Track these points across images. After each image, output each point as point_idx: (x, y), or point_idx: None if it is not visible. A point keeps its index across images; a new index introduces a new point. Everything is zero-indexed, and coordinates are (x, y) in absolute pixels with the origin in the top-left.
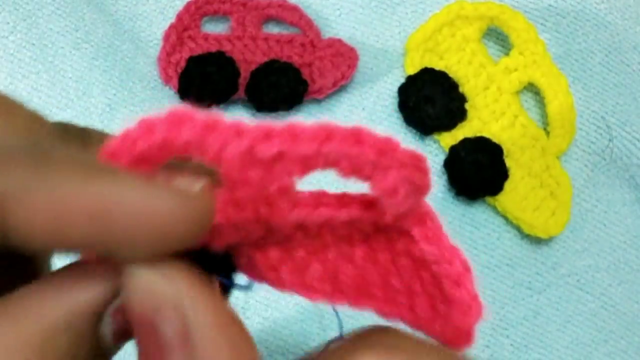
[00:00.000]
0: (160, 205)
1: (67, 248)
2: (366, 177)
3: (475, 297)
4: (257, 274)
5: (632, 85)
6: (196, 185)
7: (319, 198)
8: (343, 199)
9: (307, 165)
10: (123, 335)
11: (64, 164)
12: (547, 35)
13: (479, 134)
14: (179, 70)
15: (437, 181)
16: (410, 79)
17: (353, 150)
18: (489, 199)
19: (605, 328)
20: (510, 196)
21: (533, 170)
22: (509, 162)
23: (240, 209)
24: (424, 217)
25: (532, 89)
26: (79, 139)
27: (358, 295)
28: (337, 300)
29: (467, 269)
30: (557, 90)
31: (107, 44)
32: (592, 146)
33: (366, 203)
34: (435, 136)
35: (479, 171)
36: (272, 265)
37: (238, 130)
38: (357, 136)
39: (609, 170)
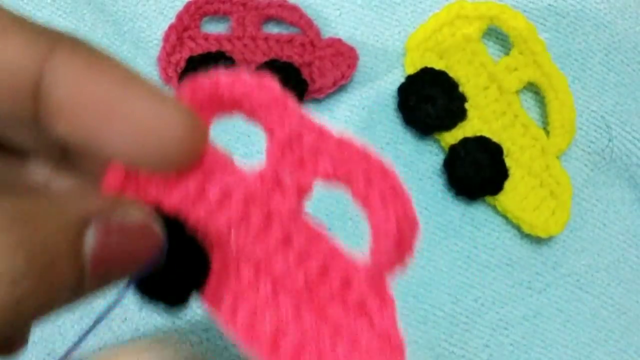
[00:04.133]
0: (165, 111)
1: (75, 135)
2: (369, 208)
3: None
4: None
5: (632, 85)
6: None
7: (318, 228)
8: (333, 245)
9: (334, 173)
10: (100, 263)
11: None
12: (547, 35)
13: (479, 134)
14: (179, 70)
15: (437, 181)
16: (410, 79)
17: (372, 176)
18: (489, 199)
19: (605, 327)
20: (510, 196)
21: (533, 169)
22: (509, 161)
23: (262, 181)
24: (384, 299)
25: (532, 88)
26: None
27: (266, 345)
28: (249, 343)
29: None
30: (557, 90)
31: (107, 44)
32: (592, 146)
33: (349, 259)
34: (435, 136)
35: (479, 171)
36: (236, 292)
37: (301, 116)
38: (384, 168)
39: (608, 169)
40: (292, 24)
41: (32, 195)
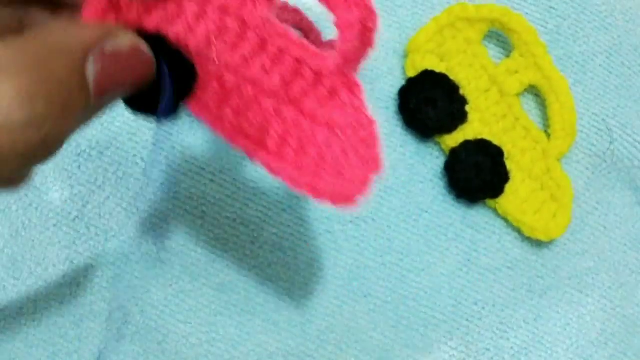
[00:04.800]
0: None
1: None
2: (334, 7)
3: (379, 155)
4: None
5: (633, 88)
6: None
7: (287, 31)
8: (303, 42)
9: None
10: (102, 87)
11: None
12: (548, 38)
13: (479, 137)
14: None
15: (438, 184)
16: (411, 81)
17: None
18: (490, 202)
19: (606, 331)
20: (511, 199)
21: (534, 172)
22: (509, 164)
23: None
24: (353, 85)
25: (533, 91)
26: None
27: (275, 156)
28: (256, 154)
29: (376, 135)
30: (558, 93)
31: None
32: (593, 149)
33: (318, 53)
34: (436, 139)
35: (479, 174)
36: (221, 96)
37: None
38: None
39: (609, 172)
40: (293, 26)
41: (38, 36)
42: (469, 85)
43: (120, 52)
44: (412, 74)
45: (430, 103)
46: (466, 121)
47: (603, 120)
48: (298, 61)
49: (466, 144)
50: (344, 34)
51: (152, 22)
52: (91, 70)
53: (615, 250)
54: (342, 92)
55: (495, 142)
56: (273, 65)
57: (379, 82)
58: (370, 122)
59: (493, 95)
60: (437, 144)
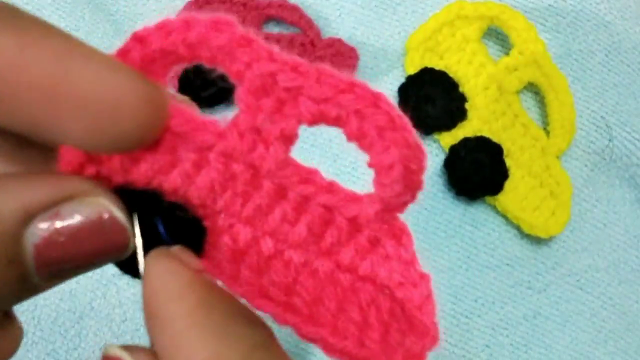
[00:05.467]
0: (115, 82)
1: (17, 124)
2: (368, 146)
3: (434, 323)
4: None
5: (632, 85)
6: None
7: (310, 173)
8: (332, 186)
9: (320, 113)
10: (46, 262)
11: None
12: (547, 35)
13: (479, 134)
14: (180, 70)
15: (438, 181)
16: (411, 79)
17: (365, 111)
18: (489, 199)
19: (605, 327)
20: (511, 196)
21: (533, 169)
22: (509, 161)
23: (239, 135)
24: (399, 233)
25: (532, 88)
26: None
27: (308, 319)
28: (285, 318)
29: (430, 295)
30: (557, 90)
31: (107, 44)
32: (592, 146)
33: (353, 197)
34: (436, 136)
35: (479, 171)
36: (235, 253)
37: (270, 53)
38: (375, 99)
39: (608, 169)
40: (292, 24)
41: None
42: (468, 82)
43: (77, 222)
44: (411, 71)
45: (429, 100)
46: (465, 118)
47: (602, 117)
48: (328, 209)
49: (466, 142)
50: (381, 178)
51: (141, 174)
52: (33, 240)
53: (615, 247)
54: (387, 242)
55: (495, 139)
56: (297, 215)
57: (379, 79)
58: (424, 279)
59: (492, 92)
60: (437, 141)
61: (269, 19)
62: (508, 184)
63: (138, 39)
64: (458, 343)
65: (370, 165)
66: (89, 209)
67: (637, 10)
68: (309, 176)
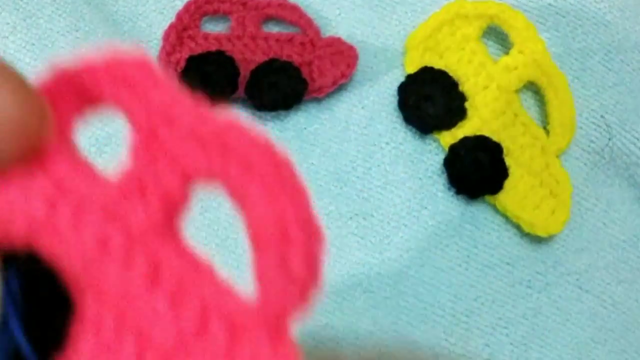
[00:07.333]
0: None
1: None
2: (241, 203)
3: None
4: None
5: (632, 84)
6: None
7: (199, 260)
8: (219, 284)
9: (209, 166)
10: None
11: None
12: (546, 34)
13: (478, 133)
14: (179, 70)
15: (437, 180)
16: (410, 78)
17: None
18: (489, 198)
19: (605, 327)
20: (510, 195)
21: (533, 169)
22: (508, 160)
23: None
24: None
25: (531, 87)
26: None
27: None
28: None
29: None
30: (556, 89)
31: (107, 44)
32: (592, 145)
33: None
34: (435, 135)
35: (478, 170)
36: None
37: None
38: (270, 153)
39: (608, 169)
40: (291, 23)
41: None
42: (468, 81)
43: None
44: (411, 70)
45: (429, 99)
46: (465, 117)
47: (602, 116)
48: (205, 311)
49: (465, 140)
50: (268, 268)
51: (19, 224)
52: None
53: (615, 247)
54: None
55: (494, 138)
56: (168, 311)
57: (379, 78)
58: None
59: (492, 91)
60: (436, 140)
61: (268, 18)
62: (508, 183)
63: (55, 76)
64: (457, 342)
65: (250, 241)
66: None
67: (637, 10)
68: (192, 262)
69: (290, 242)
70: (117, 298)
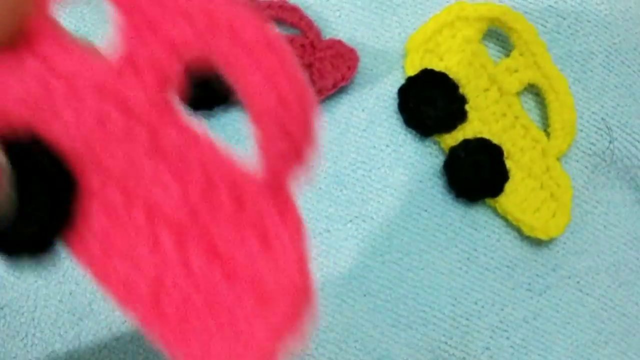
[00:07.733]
0: None
1: None
2: (237, 79)
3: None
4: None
5: (633, 87)
6: None
7: (198, 130)
8: (219, 151)
9: (196, 38)
10: None
11: None
12: (547, 37)
13: (479, 135)
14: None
15: (437, 182)
16: (411, 80)
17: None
18: (489, 201)
19: (606, 330)
20: (511, 198)
21: (533, 171)
22: (509, 163)
23: (112, 67)
24: (285, 211)
25: (532, 90)
26: None
27: (176, 334)
28: (128, 307)
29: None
30: (557, 92)
31: (107, 45)
32: (593, 148)
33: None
34: (436, 137)
35: (479, 172)
36: (105, 228)
37: None
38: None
39: (609, 171)
40: (292, 25)
41: None
42: (468, 84)
43: None
44: (411, 72)
45: (429, 102)
46: (466, 120)
47: (602, 119)
48: (208, 177)
49: (466, 143)
50: (267, 133)
51: (9, 103)
52: None
53: (615, 249)
54: (272, 233)
55: (495, 141)
56: (174, 180)
57: (379, 81)
58: (306, 291)
59: (492, 94)
60: (437, 142)
61: (268, 19)
62: (508, 186)
63: None
64: (458, 345)
65: (247, 110)
66: None
67: (638, 12)
68: (190, 132)
69: (286, 106)
70: (122, 174)
